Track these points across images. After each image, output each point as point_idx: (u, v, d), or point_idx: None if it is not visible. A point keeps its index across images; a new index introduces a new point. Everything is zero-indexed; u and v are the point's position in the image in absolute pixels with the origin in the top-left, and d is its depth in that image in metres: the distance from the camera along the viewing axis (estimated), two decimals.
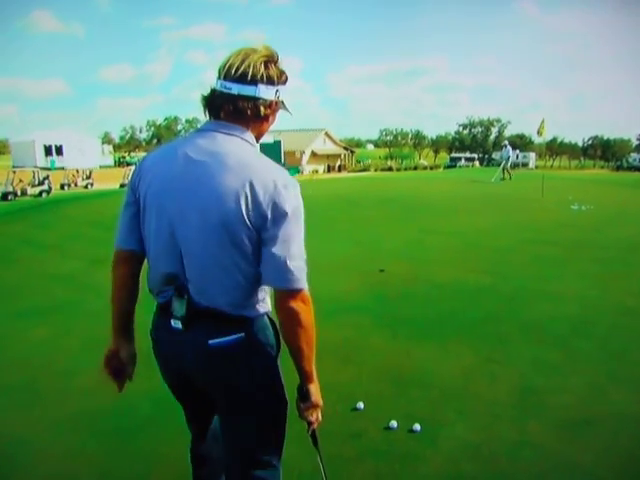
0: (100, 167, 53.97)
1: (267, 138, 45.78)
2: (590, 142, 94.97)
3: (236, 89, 1.71)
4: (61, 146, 51.86)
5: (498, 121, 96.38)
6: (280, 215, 1.65)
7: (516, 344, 4.69)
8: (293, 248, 1.68)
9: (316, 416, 1.95)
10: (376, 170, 62.64)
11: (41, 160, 48.47)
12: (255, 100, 1.73)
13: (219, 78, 1.74)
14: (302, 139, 56.75)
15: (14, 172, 24.94)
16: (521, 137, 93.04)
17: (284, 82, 1.81)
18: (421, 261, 8.14)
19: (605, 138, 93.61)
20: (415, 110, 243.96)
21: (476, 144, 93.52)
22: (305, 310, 1.72)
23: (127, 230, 1.95)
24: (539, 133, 18.56)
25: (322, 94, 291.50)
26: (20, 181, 24.86)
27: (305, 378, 1.86)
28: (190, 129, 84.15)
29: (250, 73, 1.70)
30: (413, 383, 3.95)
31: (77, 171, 33.65)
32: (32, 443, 3.26)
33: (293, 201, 1.68)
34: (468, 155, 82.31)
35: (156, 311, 1.97)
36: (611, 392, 3.79)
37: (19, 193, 23.86)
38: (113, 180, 32.94)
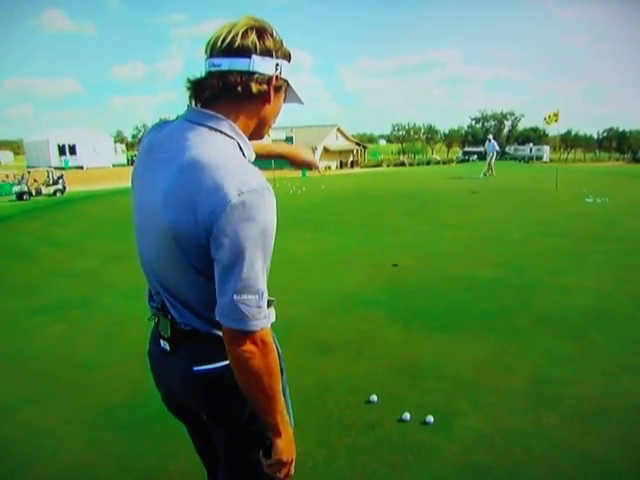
0: (113, 166, 54.33)
1: (279, 134, 45.76)
2: (605, 134, 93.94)
3: (226, 64, 1.41)
4: (74, 145, 52.21)
5: (511, 114, 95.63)
6: (230, 232, 1.29)
7: (530, 336, 4.69)
8: (241, 277, 1.31)
9: (284, 473, 1.55)
10: (389, 165, 62.51)
11: (55, 159, 48.86)
12: (249, 75, 1.41)
13: (207, 57, 1.45)
14: (314, 135, 56.63)
15: (28, 172, 25.20)
16: (535, 130, 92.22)
17: (286, 57, 1.50)
18: (434, 255, 8.14)
19: (620, 130, 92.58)
20: (428, 104, 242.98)
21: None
22: (256, 355, 1.36)
23: None
24: (546, 121, 17.90)
25: (334, 89, 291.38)
26: (35, 181, 25.09)
27: (269, 431, 1.49)
28: None
29: (240, 42, 1.40)
30: (427, 375, 3.97)
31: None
32: (51, 434, 3.33)
33: (251, 214, 1.29)
34: (481, 149, 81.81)
35: (152, 327, 1.73)
36: (626, 383, 3.78)
37: (34, 193, 24.08)
38: (126, 178, 33.15)
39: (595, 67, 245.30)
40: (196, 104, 1.48)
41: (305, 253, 8.35)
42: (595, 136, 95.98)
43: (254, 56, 1.41)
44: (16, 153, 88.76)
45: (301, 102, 1.61)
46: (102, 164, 52.05)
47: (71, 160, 50.47)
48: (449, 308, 5.53)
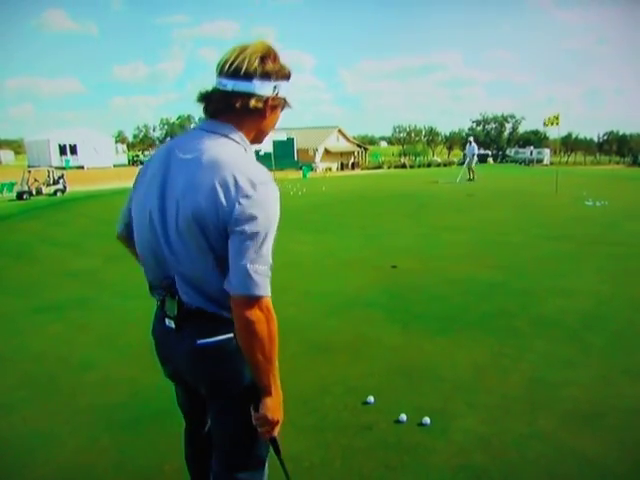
0: (114, 166, 54.32)
1: (280, 135, 45.80)
2: (605, 137, 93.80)
3: (230, 85, 1.66)
4: (75, 145, 52.24)
5: (512, 117, 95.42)
6: (246, 215, 1.56)
7: (528, 338, 4.70)
8: (258, 253, 1.56)
9: (267, 429, 1.74)
10: (389, 167, 62.48)
11: (56, 159, 48.86)
12: (250, 96, 1.67)
13: (217, 76, 1.70)
14: (315, 137, 56.68)
15: (29, 171, 25.15)
16: (535, 133, 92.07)
17: (285, 77, 1.74)
18: (433, 257, 8.16)
19: (621, 133, 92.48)
20: (429, 106, 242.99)
21: (490, 140, 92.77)
22: (262, 320, 1.58)
23: (122, 221, 2.04)
24: (545, 124, 17.88)
25: (335, 91, 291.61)
26: (35, 180, 25.05)
27: (262, 391, 1.70)
28: None
29: (244, 68, 1.64)
30: (424, 377, 3.97)
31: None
32: (49, 434, 3.33)
33: (262, 201, 1.57)
34: (482, 152, 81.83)
35: (156, 308, 1.92)
36: (622, 386, 3.79)
37: (34, 192, 24.07)
38: (127, 179, 33.18)
39: (595, 71, 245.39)
40: (205, 114, 1.76)
41: (305, 255, 8.36)
42: (595, 139, 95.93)
43: (255, 80, 1.66)
44: (17, 152, 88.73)
45: (290, 107, 1.84)
46: (103, 164, 52.07)
47: (72, 160, 50.51)
48: (448, 310, 5.54)
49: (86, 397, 3.82)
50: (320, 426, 3.32)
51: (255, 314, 1.57)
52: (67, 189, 25.65)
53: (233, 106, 1.68)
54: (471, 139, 25.23)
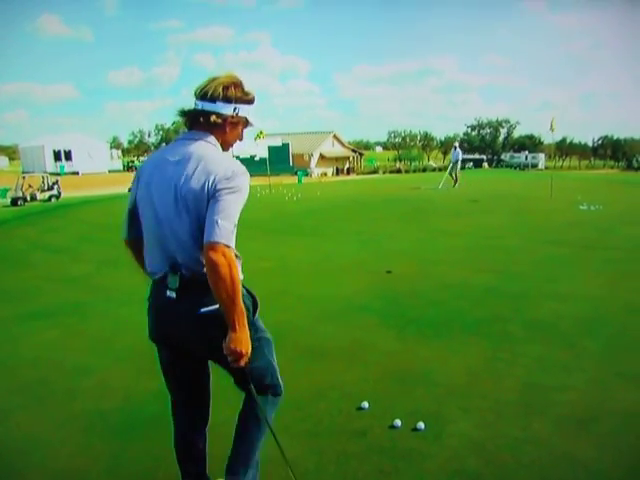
0: (109, 171, 54.23)
1: (275, 141, 45.93)
2: (600, 142, 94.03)
3: (200, 105, 2.23)
4: (70, 151, 52.17)
5: (507, 122, 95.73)
6: (222, 189, 2.09)
7: (522, 343, 4.71)
8: (226, 214, 2.06)
9: (234, 359, 2.15)
10: (385, 172, 62.54)
11: (50, 165, 48.77)
12: (213, 113, 2.22)
13: (195, 98, 2.25)
14: (310, 142, 56.75)
15: (23, 177, 25.09)
16: (530, 138, 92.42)
17: (246, 102, 2.28)
18: (428, 261, 8.17)
19: (615, 138, 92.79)
20: (424, 111, 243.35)
21: (485, 145, 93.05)
22: (224, 264, 2.01)
23: (126, 225, 2.45)
24: (552, 128, 18.02)
25: (330, 96, 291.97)
26: (29, 186, 25.00)
27: (229, 326, 2.10)
28: None
29: (210, 92, 2.20)
30: (419, 382, 3.98)
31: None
32: (43, 440, 3.32)
33: (235, 182, 2.12)
34: (477, 157, 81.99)
35: (152, 284, 2.36)
36: (617, 390, 3.80)
37: (28, 198, 24.00)
38: (122, 184, 33.12)
39: (590, 75, 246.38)
40: (185, 126, 2.32)
41: (300, 259, 8.36)
42: (590, 144, 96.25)
43: (217, 102, 2.21)
44: (11, 158, 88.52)
45: (252, 125, 2.38)
46: (98, 170, 51.99)
47: (67, 166, 50.42)
48: (442, 315, 5.55)
49: (80, 402, 3.81)
50: (314, 431, 3.32)
51: (219, 258, 2.01)
52: (62, 195, 25.60)
53: (201, 121, 2.24)
54: (456, 144, 24.66)
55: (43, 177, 26.43)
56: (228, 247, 2.03)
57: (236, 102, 2.24)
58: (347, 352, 4.61)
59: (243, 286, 2.22)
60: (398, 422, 3.35)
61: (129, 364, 4.46)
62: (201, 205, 2.11)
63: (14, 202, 23.00)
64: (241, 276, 2.17)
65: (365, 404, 3.60)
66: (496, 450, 3.07)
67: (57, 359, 4.66)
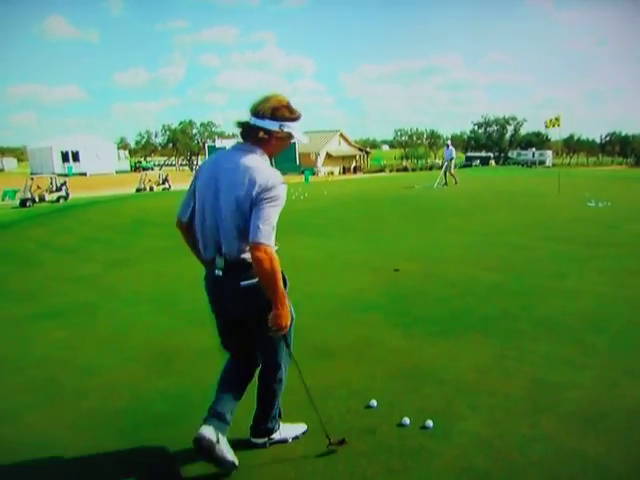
0: (116, 172, 54.42)
1: None
2: (608, 138, 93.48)
3: (252, 120, 2.74)
4: (78, 152, 52.38)
5: (514, 119, 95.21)
6: (264, 199, 2.60)
7: (530, 340, 4.69)
8: (265, 219, 2.58)
9: (278, 330, 2.73)
10: (391, 171, 62.52)
11: (58, 166, 48.98)
12: (261, 129, 2.73)
13: (250, 113, 2.77)
14: (317, 141, 56.67)
15: (32, 179, 25.21)
16: (537, 135, 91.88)
17: (291, 120, 2.77)
18: (435, 259, 8.16)
19: (623, 134, 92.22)
20: (430, 109, 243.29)
21: (492, 143, 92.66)
22: (266, 259, 2.55)
23: (183, 207, 2.95)
24: (547, 126, 17.81)
25: (336, 95, 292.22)
26: (38, 187, 25.11)
27: (273, 304, 2.66)
28: (205, 133, 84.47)
29: (261, 111, 2.72)
30: (426, 380, 3.97)
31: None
32: (52, 439, 3.34)
33: (274, 193, 2.62)
34: (484, 154, 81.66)
35: (205, 266, 2.96)
36: (625, 387, 3.78)
37: (37, 199, 24.12)
38: (129, 185, 33.26)
39: (596, 71, 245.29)
40: (240, 137, 2.83)
41: (307, 258, 8.35)
42: (598, 140, 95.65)
43: (266, 119, 2.72)
44: (19, 160, 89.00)
45: (301, 141, 2.90)
46: (105, 170, 52.20)
47: (74, 167, 50.63)
48: (449, 312, 5.54)
49: (89, 402, 3.83)
50: (323, 430, 3.31)
51: (261, 255, 2.55)
52: (70, 196, 25.71)
53: (252, 134, 2.76)
54: (449, 142, 24.22)
55: (51, 178, 26.57)
56: (269, 245, 2.56)
57: (282, 120, 2.73)
58: (354, 350, 4.61)
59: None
60: (407, 420, 3.34)
61: (137, 363, 4.48)
62: (245, 208, 2.62)
63: (23, 203, 23.11)
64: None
65: (373, 402, 3.59)
66: (505, 448, 3.06)
67: (66, 358, 4.68)
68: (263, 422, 3.13)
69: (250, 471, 2.95)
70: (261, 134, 2.73)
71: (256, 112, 2.73)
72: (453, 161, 22.73)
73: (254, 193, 2.60)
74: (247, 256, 2.67)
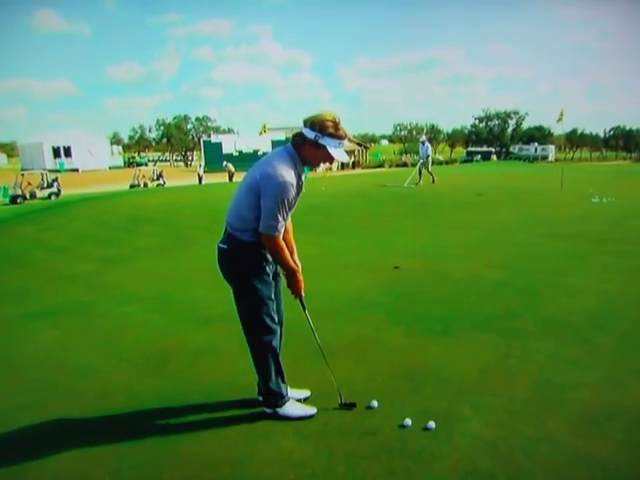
0: (110, 168, 54.32)
1: (279, 135, 46.13)
2: (612, 133, 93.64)
3: (302, 129, 3.23)
4: (69, 147, 52.29)
5: (515, 113, 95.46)
6: (263, 190, 3.13)
7: (534, 339, 4.69)
8: (265, 211, 3.13)
9: (295, 290, 3.53)
10: (391, 166, 62.50)
11: (50, 162, 48.95)
12: (301, 134, 3.23)
13: None
14: None
15: (22, 175, 25.19)
16: (539, 129, 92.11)
17: (329, 134, 3.16)
18: (436, 257, 8.15)
19: (627, 128, 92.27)
20: (429, 103, 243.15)
21: (493, 137, 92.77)
22: (273, 245, 3.23)
23: None
24: (559, 119, 17.95)
25: (333, 89, 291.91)
26: (29, 184, 25.09)
27: (284, 271, 3.47)
28: (200, 127, 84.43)
29: (307, 121, 3.21)
30: (428, 380, 3.97)
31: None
32: (44, 441, 3.33)
33: (266, 185, 3.11)
34: (485, 149, 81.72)
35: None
36: (632, 386, 3.78)
37: (28, 196, 24.10)
38: (123, 181, 33.21)
39: (599, 65, 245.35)
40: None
41: (305, 256, 8.22)
42: (601, 135, 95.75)
43: (306, 127, 3.19)
44: (10, 155, 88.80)
45: (341, 160, 3.31)
46: (98, 166, 52.13)
47: (66, 162, 50.57)
48: (452, 311, 5.53)
49: (82, 404, 3.81)
50: (323, 431, 3.31)
51: (269, 242, 3.22)
52: (62, 192, 25.72)
53: (294, 138, 3.29)
54: (424, 138, 22.54)
55: (42, 174, 26.57)
56: (270, 235, 3.18)
57: (319, 132, 3.14)
58: (354, 349, 4.60)
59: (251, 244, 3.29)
60: (408, 421, 3.34)
61: (132, 364, 4.47)
62: (251, 191, 3.17)
63: (13, 200, 23.11)
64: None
65: (374, 403, 3.59)
66: (509, 450, 3.06)
67: (59, 359, 4.66)
68: (261, 384, 3.54)
69: (249, 473, 2.94)
70: (297, 138, 3.22)
71: (305, 121, 3.20)
72: (430, 158, 21.64)
73: (255, 181, 3.15)
74: (235, 228, 3.26)
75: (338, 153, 3.20)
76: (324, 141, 3.14)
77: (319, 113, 3.19)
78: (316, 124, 3.13)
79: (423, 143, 21.53)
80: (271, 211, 3.11)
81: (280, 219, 3.15)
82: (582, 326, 4.98)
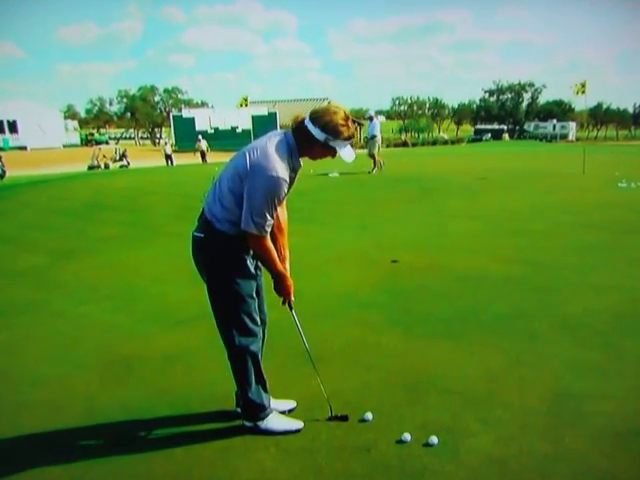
0: (64, 146, 53.86)
1: (260, 109, 45.77)
2: None
3: (306, 122, 3.23)
4: (15, 121, 51.69)
5: (531, 85, 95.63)
6: (249, 183, 3.13)
7: (550, 343, 4.72)
8: (248, 208, 3.12)
9: (282, 299, 3.53)
10: (388, 146, 62.50)
11: None
12: (310, 133, 3.21)
13: None
14: (302, 110, 55.05)
15: None
16: (559, 104, 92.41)
17: (334, 135, 3.18)
18: (440, 249, 8.19)
19: None
20: (433, 74, 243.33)
21: (505, 113, 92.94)
22: (256, 244, 3.23)
23: None
24: (574, 91, 17.58)
25: (323, 57, 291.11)
26: None
27: (272, 275, 3.43)
28: (169, 100, 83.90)
29: (318, 119, 3.20)
30: (430, 389, 3.99)
31: None
32: None
33: (253, 178, 3.11)
34: (496, 127, 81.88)
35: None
36: None
37: None
38: (80, 161, 32.96)
39: (630, 29, 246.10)
40: None
41: (291, 247, 8.27)
42: (630, 110, 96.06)
43: (317, 128, 3.19)
44: None
45: (348, 160, 3.32)
46: (50, 144, 51.66)
47: (11, 139, 50.06)
48: (456, 311, 5.56)
49: (32, 418, 3.79)
50: (310, 448, 3.32)
51: (251, 240, 3.21)
52: (6, 174, 25.49)
53: (299, 131, 3.27)
54: (372, 113, 21.08)
55: None
56: (256, 234, 3.16)
57: (331, 135, 3.18)
58: (347, 354, 4.62)
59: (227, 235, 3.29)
60: (407, 436, 3.35)
61: (91, 372, 4.46)
62: (237, 176, 3.17)
63: None
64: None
65: (369, 415, 3.60)
66: (521, 469, 3.08)
67: (5, 367, 4.65)
68: (240, 393, 3.53)
69: None
70: (301, 134, 3.24)
71: (312, 118, 3.22)
72: (377, 139, 19.59)
73: (244, 166, 3.14)
74: (214, 215, 3.27)
75: (347, 154, 3.27)
76: (335, 144, 3.22)
77: (328, 110, 3.23)
78: (329, 129, 3.17)
79: (371, 119, 20.11)
80: (259, 208, 3.11)
81: (268, 217, 3.15)
82: (605, 329, 5.02)
